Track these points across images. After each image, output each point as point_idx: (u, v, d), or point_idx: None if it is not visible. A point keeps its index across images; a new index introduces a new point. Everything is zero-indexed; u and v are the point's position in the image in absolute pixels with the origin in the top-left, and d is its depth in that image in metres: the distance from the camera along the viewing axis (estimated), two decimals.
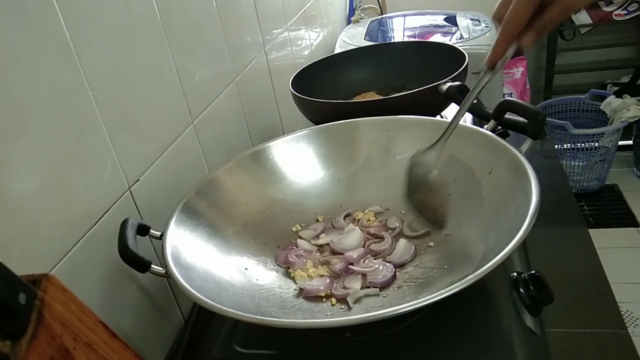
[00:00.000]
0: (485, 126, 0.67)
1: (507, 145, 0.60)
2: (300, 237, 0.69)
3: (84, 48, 0.57)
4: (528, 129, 0.61)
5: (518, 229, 0.48)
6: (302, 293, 0.60)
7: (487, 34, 1.62)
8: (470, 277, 0.44)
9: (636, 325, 1.69)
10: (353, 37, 1.72)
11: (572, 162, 2.29)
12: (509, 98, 0.64)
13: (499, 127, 0.71)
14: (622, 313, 1.74)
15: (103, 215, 0.59)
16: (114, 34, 0.62)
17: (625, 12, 2.29)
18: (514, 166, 0.57)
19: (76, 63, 0.56)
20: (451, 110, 0.96)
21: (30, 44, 0.50)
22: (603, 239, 2.06)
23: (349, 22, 2.05)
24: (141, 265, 0.52)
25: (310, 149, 0.77)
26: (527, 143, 0.61)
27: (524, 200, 0.52)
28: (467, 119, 1.02)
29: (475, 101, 0.75)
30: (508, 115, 0.66)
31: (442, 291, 0.43)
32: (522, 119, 0.63)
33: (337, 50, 1.65)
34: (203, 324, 0.72)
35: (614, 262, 1.91)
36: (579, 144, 2.23)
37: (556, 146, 2.28)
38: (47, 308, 0.33)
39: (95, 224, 0.57)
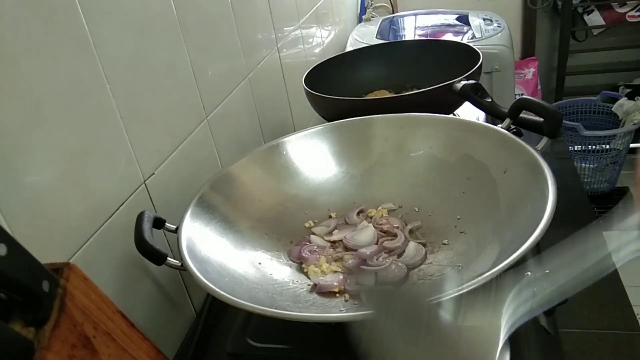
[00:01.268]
0: (500, 125, 0.67)
1: (523, 144, 0.60)
2: (313, 233, 0.69)
3: (102, 42, 0.57)
4: (544, 127, 0.61)
5: (534, 227, 0.48)
6: (315, 288, 0.60)
7: (500, 33, 1.61)
8: (486, 274, 0.44)
9: None
10: (364, 36, 1.72)
11: (583, 164, 2.27)
12: (525, 96, 0.64)
13: (513, 127, 0.71)
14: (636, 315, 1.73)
15: (119, 208, 0.59)
16: (131, 28, 0.63)
17: (639, 13, 2.27)
18: (530, 165, 0.57)
19: (94, 56, 0.56)
20: (465, 108, 0.96)
21: (49, 36, 0.50)
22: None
23: (360, 20, 2.05)
24: (157, 257, 0.53)
25: (324, 146, 0.77)
26: (543, 142, 0.60)
27: (540, 199, 0.52)
28: (481, 117, 1.02)
29: (489, 100, 0.75)
30: (523, 114, 0.66)
31: (458, 288, 0.43)
32: (537, 118, 0.63)
33: (349, 48, 1.65)
34: (215, 318, 0.72)
35: (625, 266, 1.89)
36: (590, 146, 2.21)
37: (568, 148, 2.27)
38: (69, 296, 0.33)
39: (111, 216, 0.58)
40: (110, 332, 0.37)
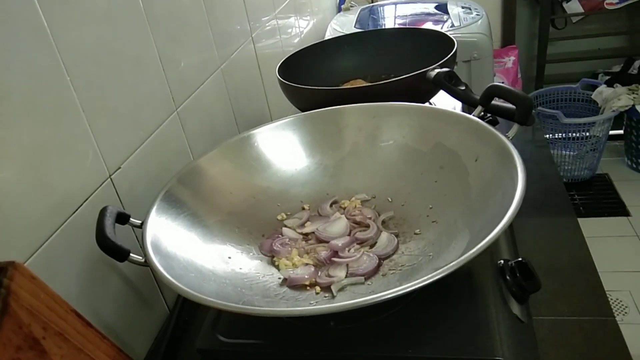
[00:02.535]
0: (473, 112, 0.66)
1: (494, 130, 0.59)
2: (286, 226, 0.68)
3: (60, 31, 0.55)
4: (515, 114, 0.60)
5: (503, 215, 0.47)
6: (286, 282, 0.59)
7: (479, 21, 1.61)
8: (453, 263, 0.43)
9: (625, 313, 1.70)
10: (343, 25, 1.70)
11: (564, 152, 2.29)
12: (496, 83, 0.63)
13: (488, 115, 0.70)
14: (612, 301, 1.75)
15: (82, 204, 0.58)
16: (93, 18, 0.61)
17: (616, 1, 2.29)
18: (500, 152, 0.56)
19: (52, 47, 0.54)
20: (441, 97, 0.95)
21: (1, 26, 0.48)
22: (594, 228, 2.06)
23: (339, 10, 2.03)
24: (119, 253, 0.51)
25: (295, 137, 0.75)
26: (514, 129, 0.60)
27: (510, 186, 0.51)
28: (457, 105, 1.01)
29: (463, 87, 0.75)
30: (495, 102, 0.65)
31: (424, 278, 0.43)
32: (509, 105, 0.62)
33: (327, 37, 1.63)
34: (188, 314, 0.71)
35: (605, 251, 1.92)
36: (570, 134, 2.23)
37: (548, 135, 2.28)
38: (13, 296, 0.32)
39: (74, 213, 0.56)
40: (63, 332, 0.35)
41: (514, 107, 0.61)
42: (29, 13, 0.51)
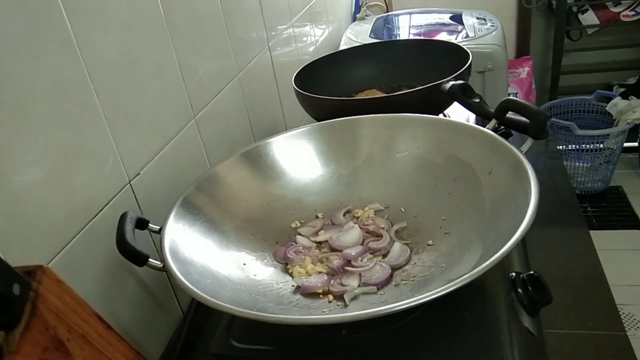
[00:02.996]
0: (487, 125, 0.67)
1: (508, 144, 0.60)
2: (299, 234, 0.69)
3: (85, 41, 0.57)
4: (530, 128, 0.61)
5: (516, 229, 0.48)
6: (299, 289, 0.60)
7: (493, 32, 1.61)
8: (465, 276, 0.44)
9: (637, 327, 1.68)
10: (358, 35, 1.72)
11: (577, 164, 2.27)
12: (511, 97, 0.64)
13: (502, 127, 0.71)
14: (624, 316, 1.73)
15: (103, 209, 0.59)
16: (116, 27, 0.63)
17: (633, 12, 2.28)
18: (514, 166, 0.57)
19: (78, 55, 0.56)
20: (454, 108, 0.96)
21: (31, 35, 0.50)
22: (607, 240, 2.05)
23: (354, 19, 2.04)
24: (138, 258, 0.52)
25: (311, 146, 0.76)
26: (528, 143, 0.60)
27: (524, 200, 0.52)
28: (471, 118, 1.02)
29: (477, 100, 0.75)
30: (510, 115, 0.66)
31: (437, 290, 0.43)
32: (523, 119, 0.62)
33: (342, 47, 1.65)
34: (202, 319, 0.72)
35: (618, 264, 1.90)
36: (583, 145, 2.21)
37: (561, 147, 2.27)
38: (41, 299, 0.33)
39: (94, 217, 0.58)
40: (86, 334, 0.36)
41: (528, 120, 0.62)
42: (56, 22, 0.53)
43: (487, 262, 0.45)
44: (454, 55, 0.98)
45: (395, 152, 0.74)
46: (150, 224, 0.60)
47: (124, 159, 0.63)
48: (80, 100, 0.56)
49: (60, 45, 0.54)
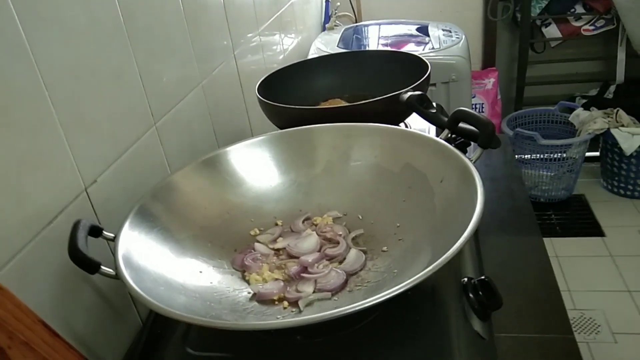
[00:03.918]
0: (440, 135, 0.69)
1: (458, 153, 0.62)
2: (258, 241, 0.70)
3: (40, 49, 0.57)
4: (479, 138, 0.63)
5: (462, 234, 0.50)
6: (255, 297, 0.60)
7: (458, 44, 1.65)
8: (412, 279, 0.45)
9: (598, 332, 1.73)
10: (327, 44, 1.74)
11: (541, 172, 2.33)
12: (462, 108, 0.66)
13: (460, 137, 0.73)
14: (585, 320, 1.78)
15: (57, 217, 0.59)
16: (73, 35, 0.62)
17: (592, 27, 2.36)
18: (463, 174, 0.59)
19: (32, 64, 0.56)
20: (415, 118, 0.98)
21: None
22: (570, 247, 2.10)
23: (324, 28, 2.07)
24: (90, 266, 0.52)
25: (270, 154, 0.77)
26: (477, 152, 0.62)
27: (471, 207, 0.54)
28: (432, 128, 1.04)
29: (434, 110, 0.77)
30: (462, 125, 0.68)
31: (384, 293, 0.45)
32: (474, 129, 0.65)
33: (311, 56, 1.67)
34: (161, 327, 0.72)
35: (580, 271, 1.96)
36: (547, 155, 2.28)
37: (526, 156, 2.33)
38: None
39: (48, 225, 0.57)
40: (29, 341, 0.36)
41: (477, 130, 0.64)
42: (9, 29, 0.53)
43: (433, 265, 0.46)
44: (415, 67, 1.01)
45: (353, 161, 0.76)
46: (105, 232, 0.60)
47: (80, 166, 0.62)
48: (35, 108, 0.56)
49: (13, 53, 0.53)
